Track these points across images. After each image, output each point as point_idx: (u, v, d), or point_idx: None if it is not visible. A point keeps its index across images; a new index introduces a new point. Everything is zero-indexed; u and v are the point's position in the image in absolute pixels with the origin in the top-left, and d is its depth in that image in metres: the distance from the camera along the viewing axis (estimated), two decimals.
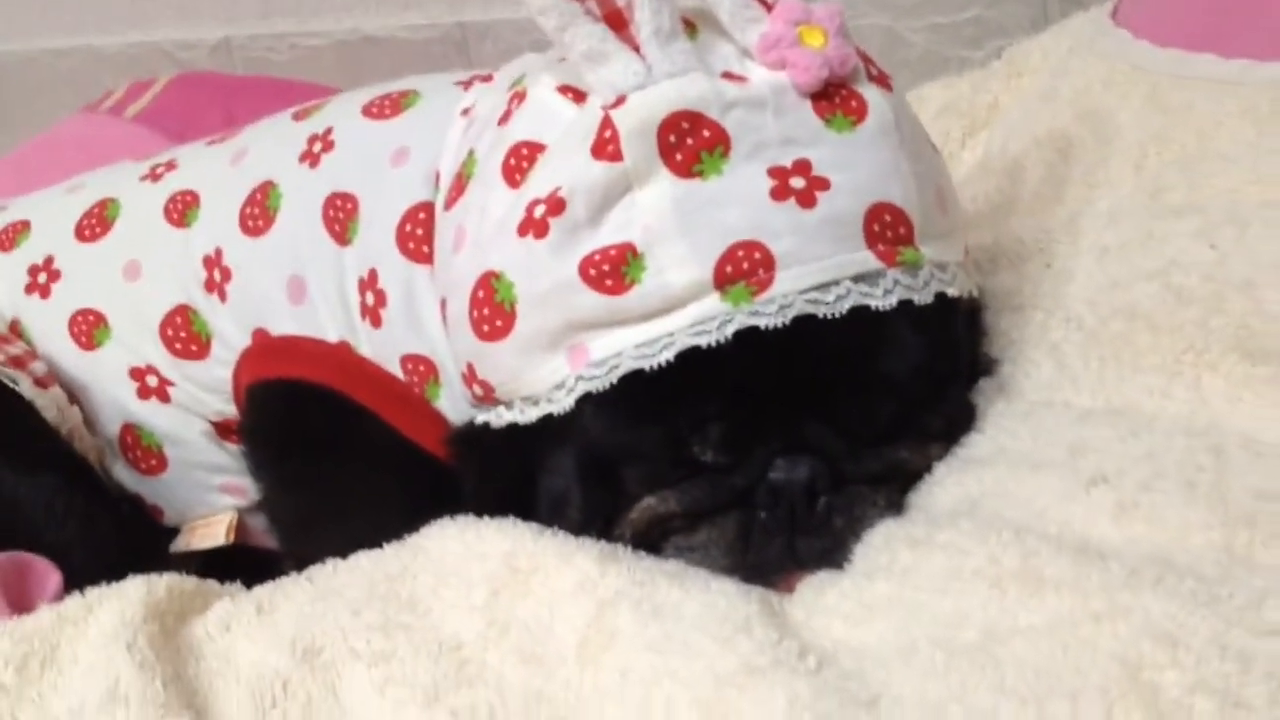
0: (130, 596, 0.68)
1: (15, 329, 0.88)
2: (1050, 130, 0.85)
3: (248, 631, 0.68)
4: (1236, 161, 0.72)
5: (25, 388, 0.82)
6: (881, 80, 0.69)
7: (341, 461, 0.82)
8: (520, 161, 0.69)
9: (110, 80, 1.58)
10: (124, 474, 0.88)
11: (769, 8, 0.69)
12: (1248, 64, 0.77)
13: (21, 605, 0.72)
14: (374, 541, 0.73)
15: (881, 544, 0.61)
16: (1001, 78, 1.00)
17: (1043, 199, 0.82)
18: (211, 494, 0.88)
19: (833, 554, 0.65)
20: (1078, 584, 0.52)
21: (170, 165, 0.91)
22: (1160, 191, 0.74)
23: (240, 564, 0.81)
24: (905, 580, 0.58)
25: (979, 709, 0.49)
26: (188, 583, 0.72)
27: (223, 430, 0.86)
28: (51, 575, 0.74)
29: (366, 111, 0.84)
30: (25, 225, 0.92)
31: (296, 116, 0.89)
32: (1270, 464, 0.57)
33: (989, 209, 0.85)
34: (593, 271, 0.65)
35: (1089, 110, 0.84)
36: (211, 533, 0.87)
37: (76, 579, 0.74)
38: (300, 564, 0.76)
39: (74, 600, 0.68)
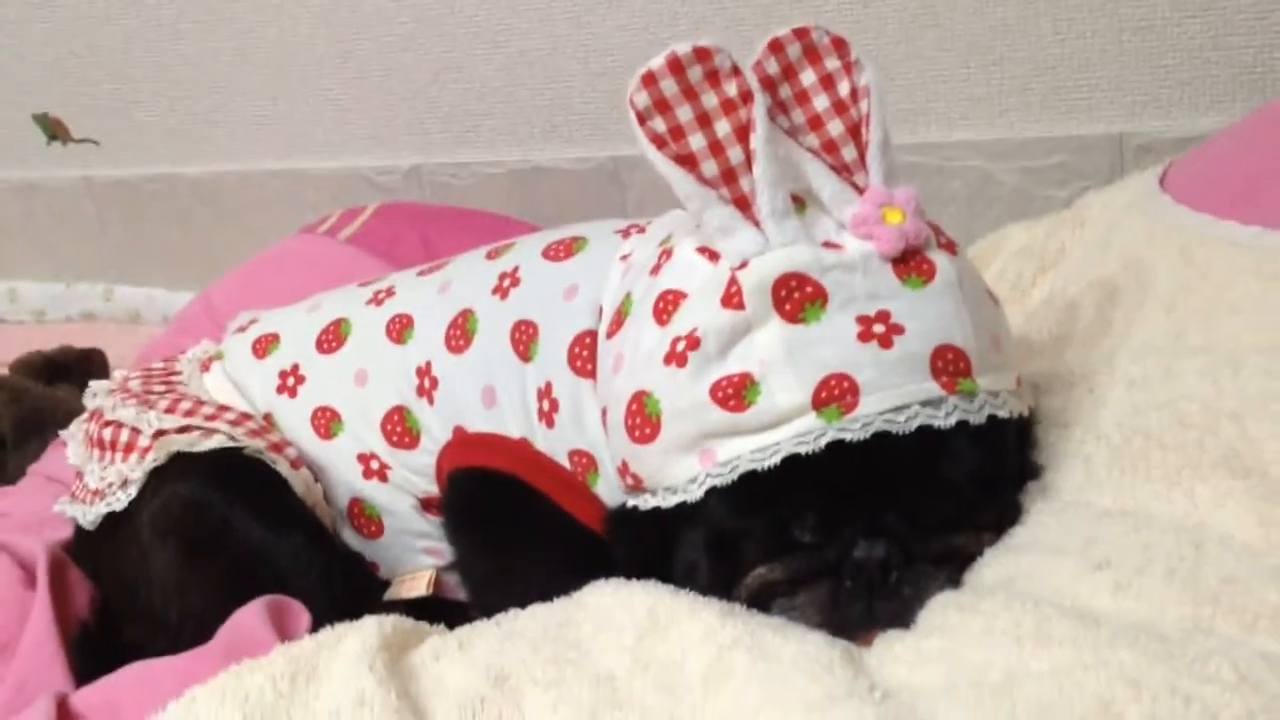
0: (368, 630, 0.83)
1: (269, 420, 1.03)
2: (1102, 276, 0.99)
3: (453, 661, 0.81)
4: (1242, 313, 0.85)
5: (283, 468, 0.99)
6: (949, 247, 0.83)
7: (521, 533, 0.95)
8: (667, 305, 0.82)
9: (314, 198, 1.79)
10: (350, 537, 1.02)
11: (861, 191, 0.82)
12: (1261, 231, 0.90)
13: (284, 635, 0.87)
14: (545, 597, 0.86)
15: (938, 609, 0.76)
16: (1069, 226, 1.13)
17: (1091, 334, 0.95)
18: (417, 555, 1.01)
19: (902, 616, 0.77)
20: (1075, 642, 0.67)
21: (390, 292, 1.06)
22: (1182, 334, 0.88)
23: (437, 612, 0.94)
24: (952, 636, 0.73)
25: None
26: (407, 623, 0.87)
27: (427, 505, 0.99)
28: (303, 615, 0.91)
29: (545, 254, 0.98)
30: (275, 338, 1.08)
31: (489, 256, 1.03)
32: (1239, 556, 0.70)
33: (1049, 340, 0.99)
34: (720, 394, 0.78)
35: (1134, 260, 0.97)
36: (416, 585, 1.00)
37: (318, 617, 0.91)
38: (485, 613, 0.88)
39: (326, 632, 0.84)
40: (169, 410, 1.02)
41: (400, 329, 1.02)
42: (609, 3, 1.55)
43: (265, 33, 1.79)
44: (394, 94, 1.74)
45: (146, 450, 1.00)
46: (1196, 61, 1.30)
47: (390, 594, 1.02)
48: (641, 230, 0.97)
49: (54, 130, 1.99)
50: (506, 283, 0.99)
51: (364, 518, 1.03)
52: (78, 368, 1.67)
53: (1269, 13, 1.24)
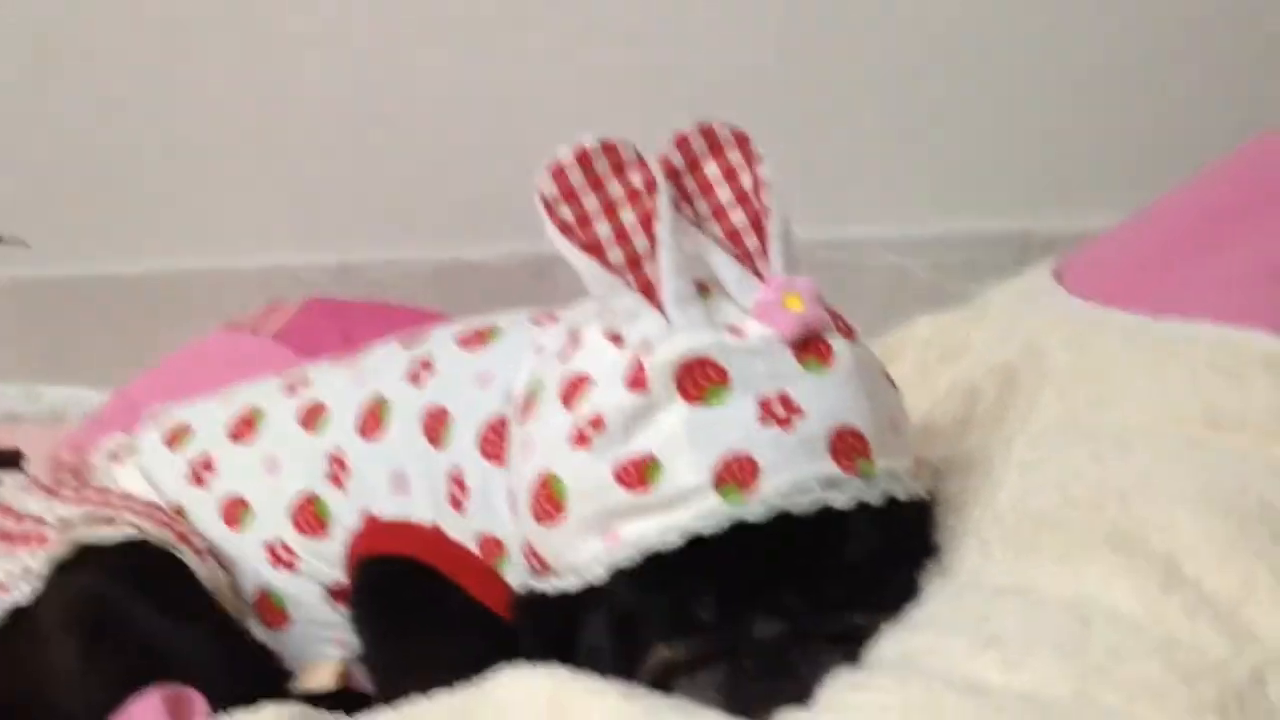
0: (266, 716, 0.84)
1: (179, 512, 1.03)
2: (1001, 362, 1.02)
3: None
4: (1128, 397, 0.88)
5: (189, 558, 0.98)
6: (847, 332, 0.85)
7: (428, 620, 0.95)
8: (574, 389, 0.83)
9: (242, 295, 1.76)
10: (256, 628, 1.01)
11: (763, 279, 0.85)
12: (1145, 319, 0.94)
13: None
14: (450, 685, 0.84)
15: (834, 689, 0.76)
16: (973, 319, 1.17)
17: (992, 418, 0.98)
18: (324, 645, 1.00)
19: (799, 695, 0.77)
20: (960, 713, 0.68)
21: (304, 382, 1.07)
22: (1074, 417, 0.90)
23: (344, 703, 0.93)
24: (846, 712, 0.73)
25: None
26: (309, 711, 0.87)
27: (337, 595, 0.99)
28: (198, 703, 0.90)
29: (460, 342, 1.00)
30: (188, 429, 1.08)
31: (404, 345, 1.04)
32: (1122, 631, 0.72)
33: (952, 425, 1.01)
34: (623, 474, 0.79)
35: (1030, 348, 1.00)
36: (322, 676, 0.98)
37: (220, 707, 0.89)
38: (390, 703, 0.86)
39: (226, 716, 0.84)
40: (76, 501, 1.02)
41: (313, 416, 1.03)
42: (534, 101, 1.60)
43: (189, 132, 1.81)
44: (321, 192, 1.77)
45: (51, 542, 0.99)
46: (1095, 162, 1.36)
47: (296, 686, 1.00)
48: (554, 319, 0.99)
49: None
50: (420, 370, 1.00)
51: (270, 609, 1.02)
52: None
53: (1159, 119, 1.30)
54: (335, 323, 1.47)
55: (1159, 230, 1.06)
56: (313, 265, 1.80)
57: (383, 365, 1.04)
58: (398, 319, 1.42)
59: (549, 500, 0.84)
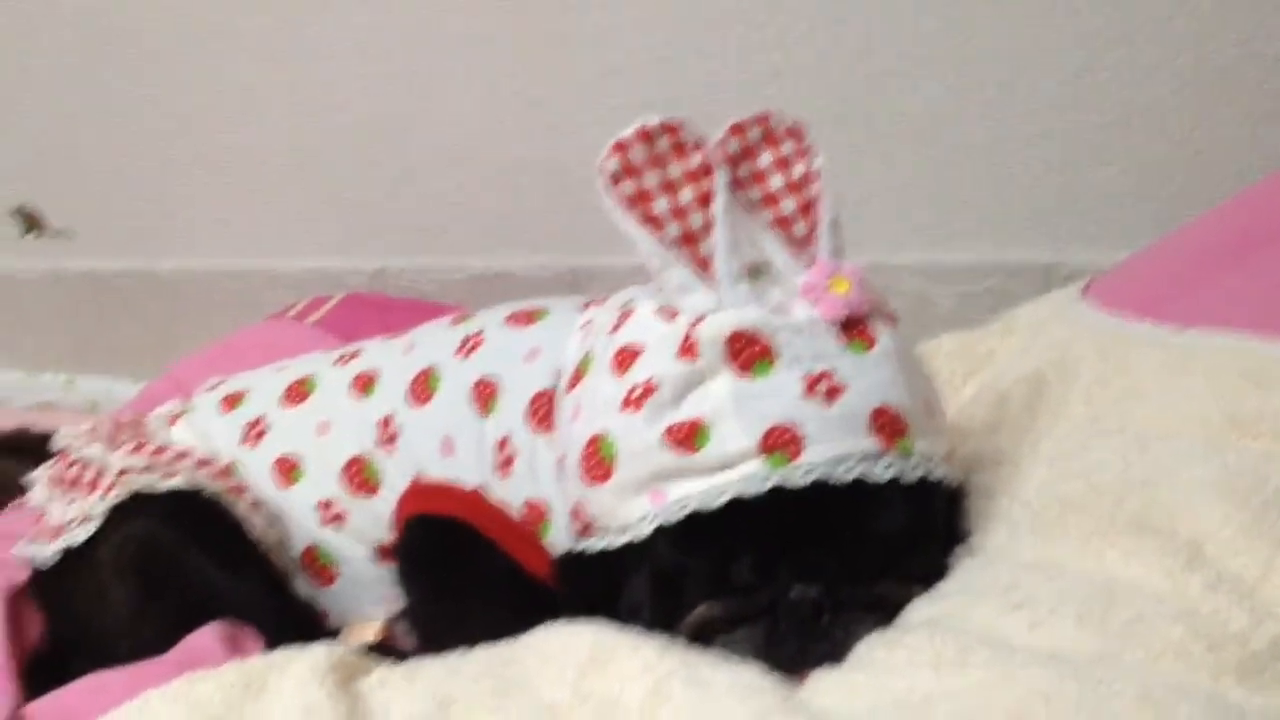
0: (318, 653, 0.85)
1: (231, 468, 1.06)
2: (1029, 372, 1.05)
3: (399, 689, 0.84)
4: (1150, 402, 0.92)
5: (241, 509, 1.02)
6: (889, 319, 0.89)
7: (471, 579, 0.98)
8: (626, 359, 0.87)
9: (280, 297, 1.78)
10: (303, 585, 1.05)
11: (810, 264, 0.88)
12: (1169, 330, 0.98)
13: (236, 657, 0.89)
14: (491, 641, 0.87)
15: (865, 646, 0.80)
16: (998, 335, 1.21)
17: (1019, 423, 1.01)
18: (369, 603, 1.03)
19: (832, 657, 0.80)
20: (989, 666, 0.71)
21: (356, 354, 1.11)
22: (1098, 419, 0.94)
23: (386, 656, 0.93)
24: (878, 669, 0.77)
25: None
26: (355, 654, 0.89)
27: (383, 552, 1.02)
28: (256, 642, 0.94)
29: (508, 321, 1.04)
30: (243, 394, 1.12)
31: (454, 322, 1.09)
32: (1145, 600, 0.75)
33: (980, 427, 1.04)
34: (672, 437, 0.83)
35: (1057, 359, 1.04)
36: (366, 633, 1.01)
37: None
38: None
39: (278, 652, 0.87)
40: (134, 452, 1.05)
41: (364, 384, 1.07)
42: (572, 119, 1.64)
43: (236, 137, 1.86)
44: (361, 200, 1.81)
45: (110, 488, 1.03)
46: (1118, 200, 1.40)
47: (339, 641, 1.01)
48: (600, 303, 1.03)
49: (29, 223, 2.03)
50: (470, 344, 1.04)
51: (318, 565, 1.05)
52: (31, 450, 1.67)
53: (1183, 162, 1.35)
54: (376, 314, 1.49)
55: (1186, 249, 1.10)
56: (350, 270, 1.84)
57: (432, 339, 1.08)
58: (435, 315, 1.45)
59: (598, 460, 0.87)
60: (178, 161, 1.92)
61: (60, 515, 1.04)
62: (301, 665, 0.85)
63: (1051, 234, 1.44)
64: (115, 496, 1.02)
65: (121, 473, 1.03)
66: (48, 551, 1.04)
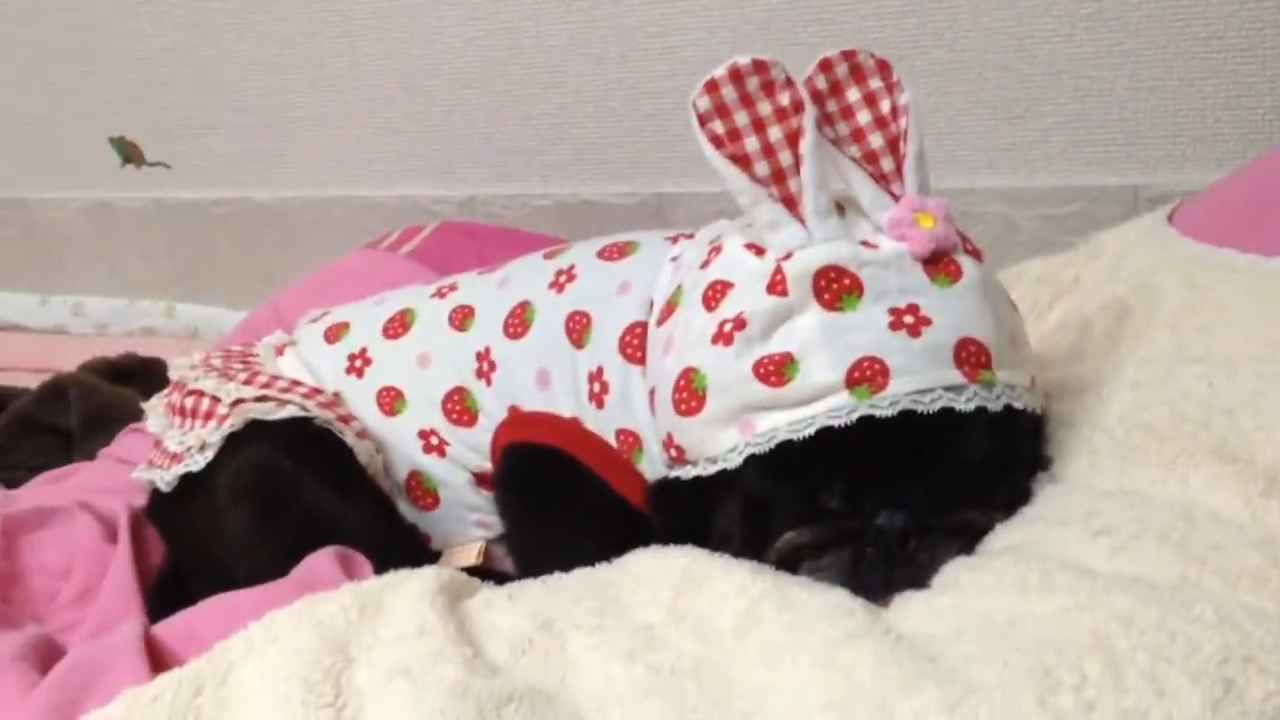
0: (427, 575, 0.90)
1: (337, 398, 1.11)
2: (1113, 299, 1.06)
3: (503, 609, 0.88)
4: (1237, 328, 0.92)
5: (349, 438, 1.06)
6: (975, 254, 0.90)
7: (567, 506, 1.01)
8: (716, 294, 0.89)
9: (374, 223, 1.86)
10: (406, 509, 1.09)
11: (897, 199, 0.90)
12: (1257, 258, 0.98)
13: (350, 580, 0.93)
14: (587, 565, 0.91)
15: (951, 571, 0.83)
16: (1083, 259, 1.21)
17: (1102, 350, 1.03)
18: (469, 527, 1.08)
19: (918, 582, 0.83)
20: (1074, 589, 0.74)
21: (453, 287, 1.14)
22: (1183, 346, 0.95)
23: (485, 579, 0.97)
24: (962, 593, 0.80)
25: (998, 659, 0.71)
26: (461, 576, 0.93)
27: (481, 480, 1.06)
28: (366, 566, 0.99)
29: (600, 255, 1.06)
30: (345, 326, 1.16)
31: (546, 256, 1.11)
32: (1224, 528, 0.78)
33: (1063, 355, 1.06)
34: (762, 370, 0.85)
35: (1142, 285, 1.05)
36: (466, 555, 1.06)
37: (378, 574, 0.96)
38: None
39: (391, 574, 0.91)
40: (246, 383, 1.10)
41: (462, 318, 1.10)
42: (660, 49, 1.65)
43: (334, 66, 1.89)
44: (455, 128, 1.83)
45: (225, 417, 1.08)
46: (1208, 120, 1.39)
47: (441, 564, 1.06)
48: (690, 237, 1.05)
49: (129, 153, 2.09)
50: (563, 279, 1.07)
51: (421, 490, 1.10)
52: (140, 374, 1.75)
53: (1273, 82, 1.33)
54: (469, 243, 1.53)
55: (1271, 176, 1.09)
56: (441, 197, 1.86)
57: (526, 273, 1.11)
58: (529, 244, 1.47)
59: (689, 392, 0.90)
60: (275, 93, 1.95)
61: (177, 443, 1.09)
62: (413, 587, 0.90)
63: (1139, 155, 1.43)
64: (231, 425, 1.07)
65: (237, 402, 1.08)
66: (167, 477, 1.10)
